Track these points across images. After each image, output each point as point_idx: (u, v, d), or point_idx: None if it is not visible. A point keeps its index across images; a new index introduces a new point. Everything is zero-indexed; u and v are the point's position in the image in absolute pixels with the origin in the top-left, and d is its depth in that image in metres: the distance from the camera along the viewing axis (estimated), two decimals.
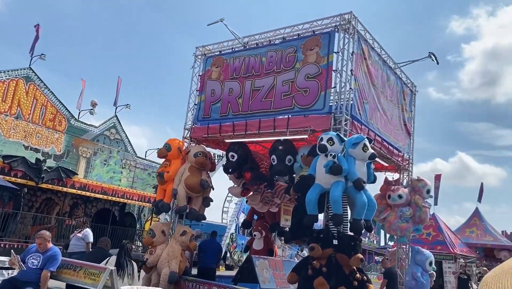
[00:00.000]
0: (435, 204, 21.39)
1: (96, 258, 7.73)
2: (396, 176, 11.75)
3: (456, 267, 18.01)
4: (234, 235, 26.68)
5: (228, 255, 25.48)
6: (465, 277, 15.51)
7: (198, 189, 10.05)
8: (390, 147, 10.32)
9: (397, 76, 11.06)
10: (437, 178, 22.96)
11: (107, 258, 7.62)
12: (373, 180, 8.33)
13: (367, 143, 8.08)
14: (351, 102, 8.81)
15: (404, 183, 11.57)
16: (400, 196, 10.78)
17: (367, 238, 37.09)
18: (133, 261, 7.81)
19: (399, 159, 10.97)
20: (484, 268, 19.84)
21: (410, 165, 11.71)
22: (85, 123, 20.60)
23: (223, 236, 25.02)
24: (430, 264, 10.74)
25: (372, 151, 8.08)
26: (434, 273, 10.92)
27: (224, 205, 32.60)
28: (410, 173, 11.67)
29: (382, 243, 35.06)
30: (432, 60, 10.71)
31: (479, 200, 30.63)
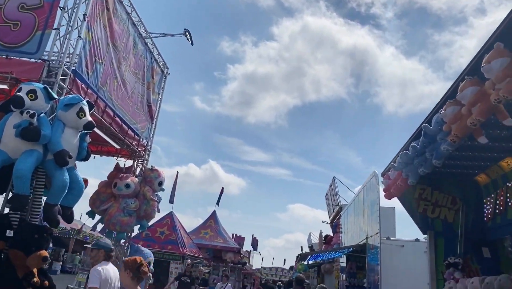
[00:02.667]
0: (171, 201, 20.91)
1: None
2: (131, 163, 10.25)
3: (183, 268, 17.72)
4: None
5: None
6: (188, 280, 14.10)
7: None
8: (124, 125, 8.70)
9: (148, 49, 9.62)
10: (176, 175, 22.68)
11: None
12: (85, 157, 6.45)
13: (86, 108, 6.21)
14: (78, 55, 6.80)
15: (137, 172, 10.16)
16: (127, 186, 9.26)
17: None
18: None
19: (134, 143, 9.47)
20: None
21: (148, 152, 10.38)
22: None
23: None
24: (148, 265, 9.52)
25: (90, 119, 6.25)
26: (151, 275, 9.74)
27: None
28: (146, 162, 10.33)
29: None
30: (187, 39, 9.76)
31: (218, 203, 32.39)
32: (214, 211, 31.05)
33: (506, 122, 6.28)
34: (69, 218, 6.15)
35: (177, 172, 22.33)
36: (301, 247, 36.90)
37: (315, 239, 33.98)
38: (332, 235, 26.22)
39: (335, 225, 25.50)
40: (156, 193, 9.84)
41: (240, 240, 44.31)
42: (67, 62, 6.52)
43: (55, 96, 6.04)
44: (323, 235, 28.91)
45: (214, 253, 29.42)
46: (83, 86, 6.92)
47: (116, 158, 10.19)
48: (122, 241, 9.78)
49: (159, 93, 10.60)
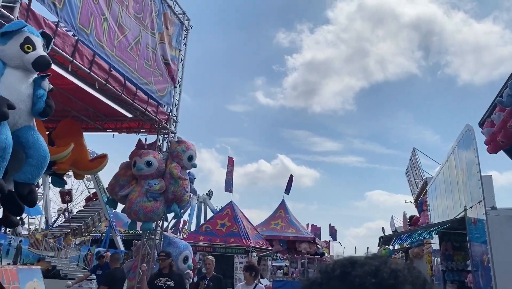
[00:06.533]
0: (229, 190, 19.00)
1: None
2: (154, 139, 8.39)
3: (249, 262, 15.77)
4: None
5: None
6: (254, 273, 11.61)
7: None
8: (130, 84, 6.76)
9: None
10: (230, 162, 20.67)
11: None
12: (43, 110, 4.48)
13: (36, 39, 4.29)
14: None
15: (165, 149, 8.26)
16: (149, 163, 7.38)
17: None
18: None
19: (151, 110, 7.53)
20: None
21: (174, 123, 8.43)
22: None
23: None
24: (185, 260, 7.54)
25: (42, 53, 4.31)
26: (191, 272, 7.78)
27: None
28: (173, 134, 8.39)
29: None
30: None
31: (287, 192, 30.18)
32: (283, 200, 28.89)
33: None
34: (28, 199, 4.27)
35: (229, 157, 20.37)
36: (383, 228, 33.57)
37: (399, 223, 30.61)
38: (418, 215, 23.01)
39: (420, 202, 22.22)
40: (187, 171, 7.86)
41: (316, 230, 41.70)
42: None
43: None
44: (408, 216, 25.63)
45: (287, 245, 27.28)
46: (47, 21, 5.02)
47: (137, 134, 8.38)
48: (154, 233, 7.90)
49: (179, 50, 8.57)
